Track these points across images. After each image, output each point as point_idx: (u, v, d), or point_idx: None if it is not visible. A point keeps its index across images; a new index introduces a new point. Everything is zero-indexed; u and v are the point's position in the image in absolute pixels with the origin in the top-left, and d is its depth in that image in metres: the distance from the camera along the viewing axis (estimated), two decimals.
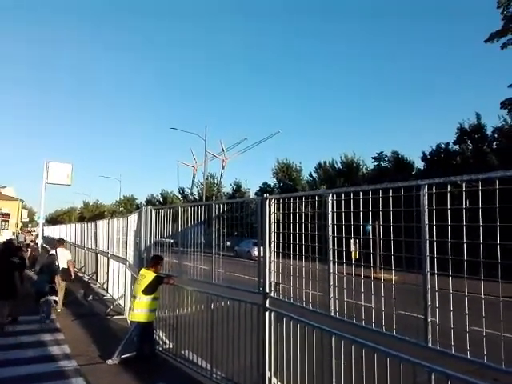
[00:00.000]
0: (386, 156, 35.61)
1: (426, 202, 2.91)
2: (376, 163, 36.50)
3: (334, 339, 3.68)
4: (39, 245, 24.82)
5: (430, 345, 2.80)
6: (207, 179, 51.56)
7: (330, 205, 3.70)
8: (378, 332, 3.21)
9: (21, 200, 78.35)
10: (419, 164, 32.77)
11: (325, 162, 40.81)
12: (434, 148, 30.69)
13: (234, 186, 52.34)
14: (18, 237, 40.75)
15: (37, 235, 35.55)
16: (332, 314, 3.69)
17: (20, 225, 70.93)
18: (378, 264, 3.47)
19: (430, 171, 28.17)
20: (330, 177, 38.09)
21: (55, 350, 7.07)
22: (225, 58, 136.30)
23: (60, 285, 10.83)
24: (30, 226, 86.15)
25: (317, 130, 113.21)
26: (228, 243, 6.18)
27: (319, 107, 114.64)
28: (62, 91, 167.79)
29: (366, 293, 3.48)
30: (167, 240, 7.40)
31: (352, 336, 3.55)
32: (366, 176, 36.34)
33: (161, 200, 64.82)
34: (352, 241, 3.88)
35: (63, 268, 11.19)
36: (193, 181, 61.41)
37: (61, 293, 10.81)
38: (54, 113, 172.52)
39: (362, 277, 3.45)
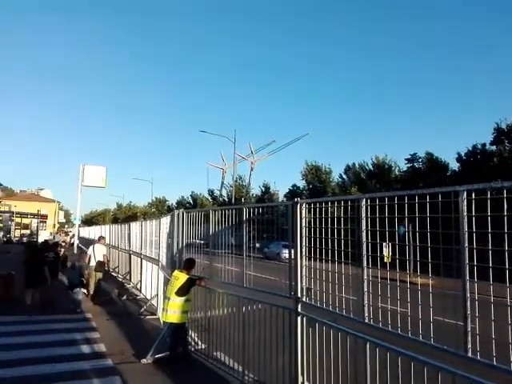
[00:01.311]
0: (420, 157, 34.70)
1: (465, 209, 2.83)
2: (409, 165, 35.61)
3: (368, 346, 3.63)
4: (75, 245, 25.73)
5: (469, 354, 2.72)
6: (236, 181, 51.89)
7: (363, 210, 3.65)
8: (415, 340, 3.14)
9: (58, 202, 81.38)
10: (454, 165, 31.82)
11: (353, 164, 40.24)
12: (470, 149, 29.70)
13: (263, 188, 52.40)
14: (54, 237, 42.37)
15: (73, 235, 36.90)
16: (366, 320, 3.63)
17: (57, 225, 73.66)
18: (413, 268, 3.38)
19: (466, 173, 27.28)
20: (361, 179, 37.49)
21: (92, 348, 7.30)
22: (253, 61, 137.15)
23: (96, 275, 12.23)
24: (66, 226, 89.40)
25: (347, 131, 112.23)
26: (257, 245, 6.21)
27: (349, 109, 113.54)
28: (97, 97, 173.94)
29: (401, 298, 3.42)
30: (198, 241, 7.51)
31: (387, 343, 3.49)
32: (398, 178, 35.54)
33: (191, 202, 65.68)
34: (384, 244, 3.83)
35: (99, 260, 12.58)
36: (222, 183, 62.18)
37: (93, 280, 12.19)
38: (90, 117, 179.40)
39: (398, 282, 3.37)
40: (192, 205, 62.07)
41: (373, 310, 3.66)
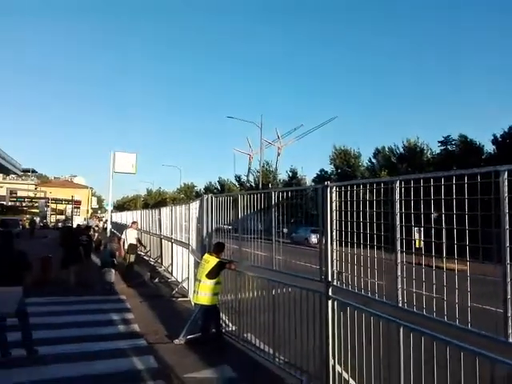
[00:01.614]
0: (454, 140, 33.48)
1: (506, 189, 2.71)
2: (442, 147, 34.44)
3: (402, 331, 3.59)
4: (108, 230, 26.52)
5: (510, 340, 2.64)
6: (263, 167, 51.82)
7: (397, 192, 3.56)
8: (451, 325, 3.07)
9: (90, 188, 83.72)
10: (489, 148, 30.62)
11: (383, 148, 39.30)
12: (506, 130, 28.44)
13: (290, 173, 52.18)
14: (88, 222, 43.80)
15: (106, 221, 38.09)
16: (400, 304, 3.58)
17: (90, 211, 75.97)
18: (447, 253, 3.28)
19: (502, 155, 26.19)
20: (391, 162, 36.63)
21: (127, 328, 7.57)
22: (278, 45, 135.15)
23: (129, 257, 13.63)
24: (99, 212, 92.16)
25: (377, 114, 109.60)
26: (285, 230, 6.18)
27: (379, 91, 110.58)
28: (127, 86, 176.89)
29: (435, 283, 3.34)
30: (226, 226, 7.56)
31: (421, 328, 3.43)
32: (431, 161, 34.50)
33: (218, 187, 66.24)
34: (416, 229, 3.74)
35: (131, 243, 13.87)
36: (249, 168, 62.09)
37: (126, 262, 13.62)
38: (119, 106, 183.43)
39: (433, 267, 3.30)
40: (219, 190, 62.57)
41: (406, 295, 3.60)
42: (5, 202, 58.94)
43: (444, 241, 3.26)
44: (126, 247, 13.57)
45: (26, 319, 5.93)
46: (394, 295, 3.64)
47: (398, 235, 3.57)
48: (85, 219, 56.60)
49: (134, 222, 15.53)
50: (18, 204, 64.62)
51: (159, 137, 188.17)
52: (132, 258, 13.36)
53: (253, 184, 55.63)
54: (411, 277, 3.57)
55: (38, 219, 56.22)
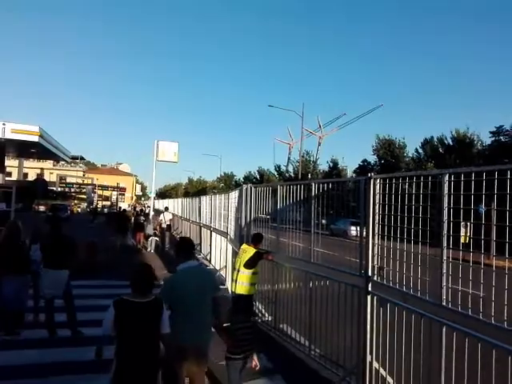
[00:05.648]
0: (508, 130, 31.45)
1: None
2: (494, 138, 32.48)
3: (444, 330, 3.43)
4: (150, 216, 27.42)
5: None
6: (303, 157, 51.19)
7: (446, 186, 3.36)
8: (498, 327, 2.88)
9: (135, 175, 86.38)
10: None
11: (432, 138, 37.64)
12: None
13: (331, 164, 51.24)
14: (136, 207, 45.51)
15: (148, 207, 39.39)
16: (444, 303, 3.41)
17: (134, 198, 78.45)
18: (495, 250, 3.07)
19: None
20: (439, 154, 35.05)
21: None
22: (324, 31, 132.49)
23: (165, 235, 18.41)
24: (142, 199, 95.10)
25: (424, 103, 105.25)
26: (323, 221, 6.06)
27: (428, 79, 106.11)
28: (170, 78, 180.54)
29: (479, 281, 3.16)
30: (264, 216, 7.53)
31: (466, 328, 3.26)
32: (481, 153, 32.71)
33: (257, 177, 66.24)
34: (462, 224, 3.54)
35: (167, 224, 18.77)
36: (288, 158, 61.54)
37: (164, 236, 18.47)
38: (164, 97, 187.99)
39: (482, 264, 3.10)
40: (259, 180, 62.55)
41: (451, 293, 3.42)
42: (55, 188, 61.99)
43: (493, 237, 3.06)
44: (163, 226, 18.46)
45: (71, 301, 6.20)
46: (438, 293, 3.48)
47: (445, 231, 3.39)
48: (129, 205, 58.57)
49: (166, 208, 21.07)
50: (66, 190, 67.79)
51: (200, 126, 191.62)
52: (167, 236, 18.04)
53: (292, 174, 55.16)
54: (457, 274, 3.39)
55: (85, 205, 58.70)
